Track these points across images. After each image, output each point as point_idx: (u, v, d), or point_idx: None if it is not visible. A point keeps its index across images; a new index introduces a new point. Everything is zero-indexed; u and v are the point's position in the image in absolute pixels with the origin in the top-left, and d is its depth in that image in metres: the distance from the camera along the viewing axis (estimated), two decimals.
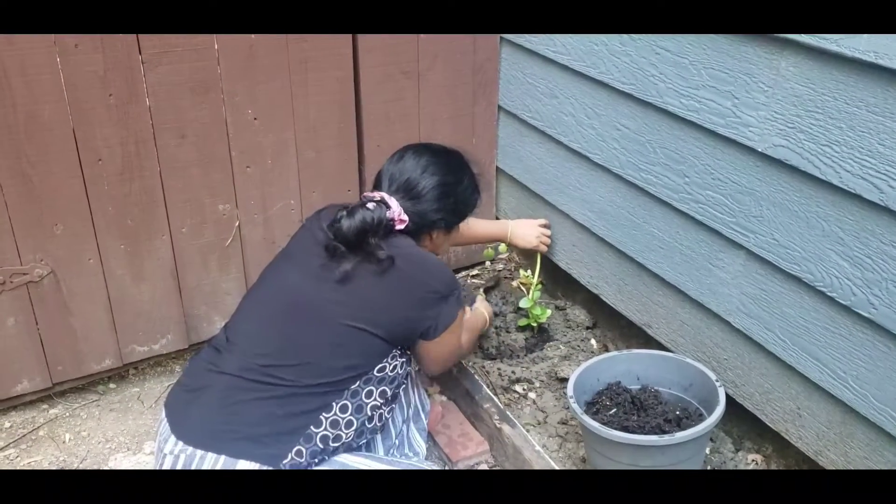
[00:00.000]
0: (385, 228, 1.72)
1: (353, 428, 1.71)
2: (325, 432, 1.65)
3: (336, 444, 1.69)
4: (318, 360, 1.65)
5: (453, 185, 1.82)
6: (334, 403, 1.67)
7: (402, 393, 2.00)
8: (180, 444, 1.61)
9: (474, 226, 2.36)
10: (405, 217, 1.75)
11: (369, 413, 1.73)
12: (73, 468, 2.19)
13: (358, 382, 1.70)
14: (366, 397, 1.71)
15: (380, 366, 1.72)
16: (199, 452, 1.59)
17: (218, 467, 1.57)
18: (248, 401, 1.62)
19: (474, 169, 1.92)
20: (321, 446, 1.65)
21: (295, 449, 1.62)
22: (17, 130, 2.02)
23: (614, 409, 1.99)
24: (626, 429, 1.89)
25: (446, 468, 2.18)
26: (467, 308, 2.36)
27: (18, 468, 2.18)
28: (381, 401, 1.76)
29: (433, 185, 1.79)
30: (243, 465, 1.58)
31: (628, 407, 2.00)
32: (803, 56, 1.64)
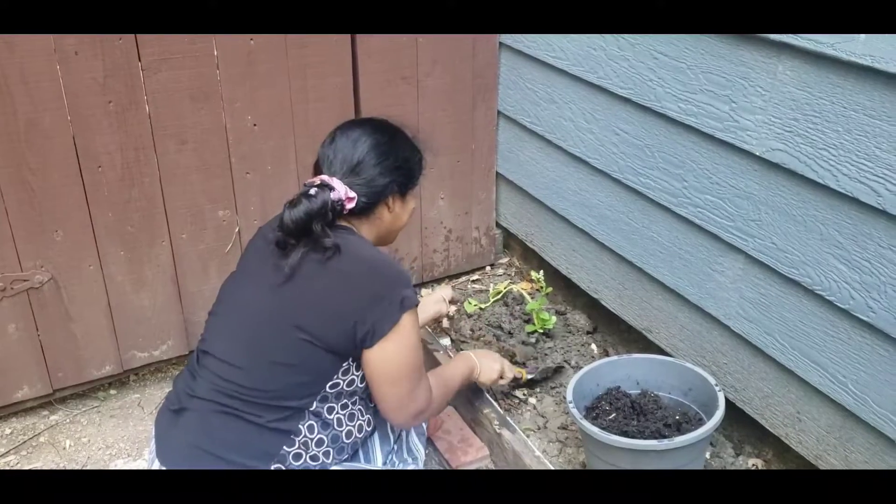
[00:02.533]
0: (334, 211, 1.61)
1: (325, 445, 1.66)
2: (298, 450, 1.63)
3: (315, 463, 1.66)
4: (275, 381, 1.60)
5: (389, 144, 1.71)
6: (301, 425, 1.62)
7: None
8: (164, 467, 1.61)
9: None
10: (353, 194, 1.64)
11: (338, 427, 1.68)
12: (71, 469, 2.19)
13: (315, 403, 1.63)
14: (328, 413, 1.66)
15: (332, 382, 1.63)
16: None
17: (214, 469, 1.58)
18: (221, 425, 1.60)
19: (406, 131, 1.80)
20: (297, 464, 1.63)
21: (274, 466, 1.60)
22: (17, 137, 2.03)
23: (614, 414, 1.99)
24: (625, 433, 1.88)
25: (445, 470, 2.17)
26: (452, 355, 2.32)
27: None
28: (348, 412, 1.69)
29: (368, 150, 1.67)
30: (235, 469, 1.58)
31: (628, 412, 1.99)
32: (800, 60, 1.64)
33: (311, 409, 1.62)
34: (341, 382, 1.64)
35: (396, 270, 1.66)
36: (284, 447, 1.60)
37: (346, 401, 1.68)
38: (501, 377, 2.10)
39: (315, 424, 1.63)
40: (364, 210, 1.69)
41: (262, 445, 1.59)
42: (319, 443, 1.65)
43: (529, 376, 2.27)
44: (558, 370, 2.39)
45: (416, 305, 1.63)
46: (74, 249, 2.20)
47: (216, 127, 2.26)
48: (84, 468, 2.22)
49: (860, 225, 1.61)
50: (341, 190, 1.64)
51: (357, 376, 1.67)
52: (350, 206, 1.65)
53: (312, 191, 1.62)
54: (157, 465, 1.63)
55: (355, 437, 1.73)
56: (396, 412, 1.69)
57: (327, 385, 1.63)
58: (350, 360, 1.64)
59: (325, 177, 1.65)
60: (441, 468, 2.19)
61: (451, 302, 2.37)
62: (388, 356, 1.61)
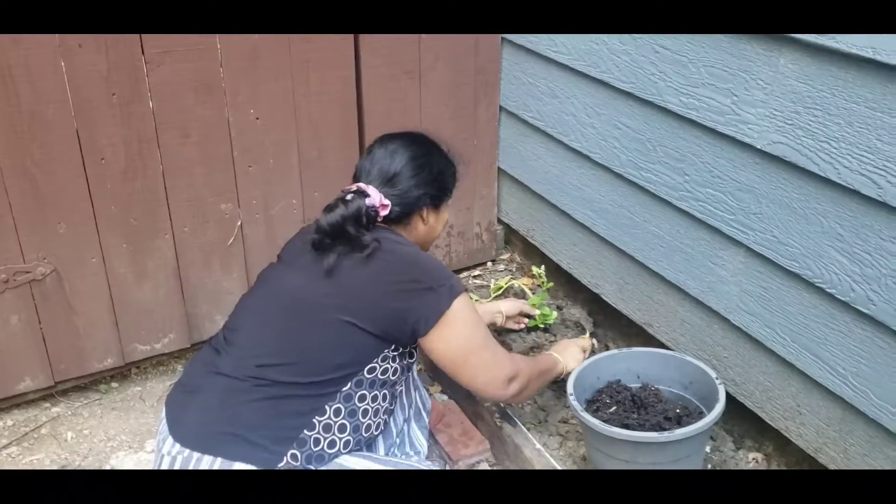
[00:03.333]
0: (368, 217, 1.71)
1: (347, 432, 1.69)
2: (317, 436, 1.65)
3: (332, 450, 1.68)
4: (310, 358, 1.65)
5: (425, 157, 1.81)
6: (327, 406, 1.66)
7: (403, 392, 2.00)
8: (177, 445, 1.62)
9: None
10: (387, 202, 1.74)
11: (362, 418, 1.72)
12: (75, 466, 2.20)
13: (350, 384, 1.68)
14: (359, 401, 1.70)
15: (370, 366, 1.69)
16: (196, 455, 1.60)
17: (214, 469, 1.58)
18: (243, 403, 1.63)
19: (441, 146, 1.91)
20: (315, 450, 1.65)
21: (290, 453, 1.62)
22: (21, 130, 2.03)
23: (614, 407, 1.99)
24: (626, 426, 1.88)
25: (447, 467, 2.18)
26: (502, 319, 2.37)
27: (20, 466, 2.19)
28: (375, 406, 1.74)
29: (405, 162, 1.78)
30: (239, 467, 1.58)
31: (628, 405, 2.00)
32: (801, 53, 1.64)
33: (344, 390, 1.67)
34: (378, 368, 1.71)
35: (438, 263, 1.78)
36: (305, 430, 1.64)
37: (376, 392, 1.73)
38: (584, 355, 2.17)
39: (342, 408, 1.68)
40: (398, 219, 1.78)
41: (283, 426, 1.63)
42: (342, 428, 1.69)
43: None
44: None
45: (465, 290, 1.72)
46: (77, 242, 2.21)
47: (219, 120, 2.27)
48: (85, 460, 2.22)
49: (861, 217, 1.62)
50: (376, 197, 1.73)
51: (391, 367, 1.74)
52: (384, 213, 1.75)
53: (349, 196, 1.72)
54: (167, 447, 1.63)
55: (372, 433, 1.77)
56: (489, 384, 1.77)
57: (365, 369, 1.69)
58: (393, 347, 1.72)
59: (361, 185, 1.75)
60: (442, 461, 2.19)
61: (510, 318, 2.40)
62: (449, 340, 1.70)
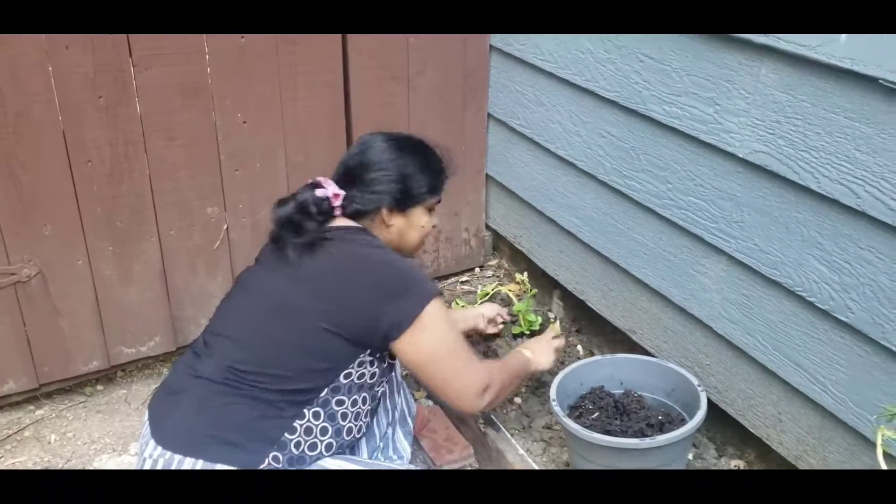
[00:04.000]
0: (319, 208, 1.70)
1: (328, 435, 1.69)
2: (299, 439, 1.64)
3: (313, 452, 1.67)
4: (285, 364, 1.63)
5: (393, 157, 1.77)
6: (306, 410, 1.65)
7: (387, 396, 2.00)
8: (159, 448, 1.61)
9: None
10: (339, 192, 1.73)
11: (342, 421, 1.71)
12: (58, 469, 2.19)
13: (326, 390, 1.67)
14: (337, 405, 1.69)
15: (346, 371, 1.67)
16: (178, 457, 1.59)
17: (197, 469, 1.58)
18: (224, 405, 1.62)
19: (437, 150, 1.86)
20: (296, 453, 1.64)
21: (271, 454, 1.61)
22: (6, 130, 2.03)
23: (597, 413, 2.00)
24: (608, 433, 1.89)
25: (432, 469, 2.18)
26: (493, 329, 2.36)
27: (2, 468, 2.19)
28: (355, 409, 1.73)
29: (369, 160, 1.76)
30: (221, 469, 1.58)
31: (611, 411, 2.00)
32: (783, 63, 1.66)
33: (321, 396, 1.66)
34: (354, 374, 1.69)
35: (411, 265, 1.74)
36: (286, 434, 1.63)
37: (355, 396, 1.72)
38: (556, 354, 2.12)
39: (321, 412, 1.67)
40: (359, 215, 1.76)
41: (263, 430, 1.62)
42: (323, 431, 1.68)
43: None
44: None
45: (439, 294, 1.69)
46: (63, 244, 2.21)
47: (206, 124, 2.27)
48: (68, 462, 2.22)
49: (840, 226, 1.63)
50: (329, 189, 1.72)
51: (372, 371, 1.72)
52: (336, 203, 1.73)
53: (299, 189, 1.74)
54: (150, 450, 1.63)
55: (354, 435, 1.77)
56: (461, 394, 1.71)
57: (341, 375, 1.67)
58: (369, 352, 1.69)
59: (320, 178, 1.75)
60: (426, 466, 2.20)
61: (491, 321, 2.38)
62: (420, 346, 1.66)
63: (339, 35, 2.37)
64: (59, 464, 2.21)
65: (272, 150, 2.39)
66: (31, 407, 2.40)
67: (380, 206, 1.76)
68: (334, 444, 1.71)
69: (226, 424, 1.61)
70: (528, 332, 2.57)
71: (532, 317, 2.58)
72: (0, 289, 2.18)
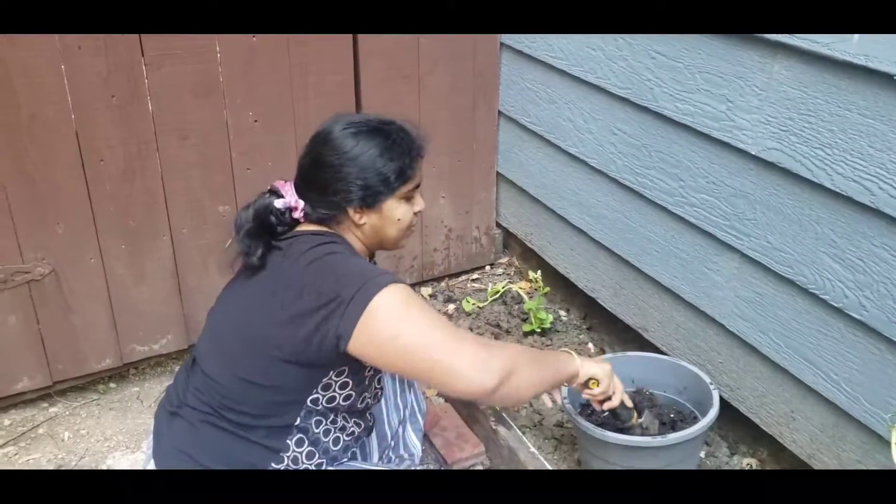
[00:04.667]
0: (279, 219, 1.55)
1: (316, 457, 1.60)
2: (287, 466, 1.57)
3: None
4: (252, 402, 1.52)
5: (348, 153, 1.53)
6: (288, 441, 1.55)
7: (397, 394, 2.00)
8: (157, 467, 1.61)
9: None
10: (298, 203, 1.55)
11: (324, 438, 1.59)
12: (72, 466, 2.21)
13: (298, 419, 1.54)
14: (316, 427, 1.57)
15: (311, 397, 1.53)
16: None
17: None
18: (208, 435, 1.56)
19: (402, 129, 1.59)
20: None
21: None
22: (20, 131, 2.05)
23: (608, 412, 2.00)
24: (620, 431, 1.89)
25: (442, 469, 2.18)
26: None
27: (17, 466, 2.20)
28: (338, 425, 1.61)
29: (322, 162, 1.54)
30: (222, 469, 1.56)
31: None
32: (796, 59, 1.65)
33: (297, 424, 1.54)
34: (321, 398, 1.54)
35: (357, 269, 1.48)
36: (273, 463, 1.56)
37: (333, 416, 1.59)
38: (606, 394, 1.73)
39: (304, 438, 1.57)
40: (327, 220, 1.58)
41: (249, 459, 1.55)
42: (310, 455, 1.59)
43: (640, 422, 1.86)
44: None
45: (394, 283, 1.45)
46: (76, 242, 2.22)
47: (217, 122, 2.28)
48: (82, 459, 2.23)
49: (854, 223, 1.62)
50: (290, 198, 1.56)
51: (339, 394, 1.56)
52: (297, 215, 1.57)
53: (260, 196, 1.58)
54: (152, 464, 1.62)
55: (345, 443, 1.66)
56: (453, 373, 1.39)
57: (308, 400, 1.53)
58: (332, 373, 1.52)
59: (281, 182, 1.59)
60: (437, 463, 2.20)
61: None
62: (379, 335, 1.42)
63: (350, 35, 2.37)
64: (72, 461, 2.23)
65: (283, 149, 2.39)
66: (45, 404, 2.42)
67: (344, 207, 1.55)
68: (325, 462, 1.62)
69: (211, 454, 1.56)
70: (538, 330, 2.57)
71: (543, 314, 2.58)
72: (14, 287, 2.19)
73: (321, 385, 1.52)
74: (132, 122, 2.16)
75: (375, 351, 1.43)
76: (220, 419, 1.54)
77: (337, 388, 1.54)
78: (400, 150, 1.56)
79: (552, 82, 2.42)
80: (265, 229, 1.55)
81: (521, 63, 2.55)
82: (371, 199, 1.55)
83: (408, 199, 1.61)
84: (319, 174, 1.55)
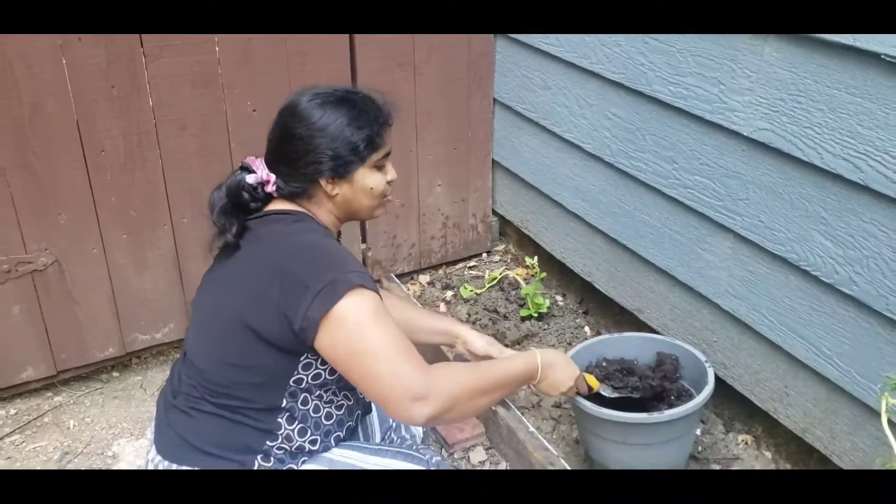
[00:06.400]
0: (252, 194, 1.55)
1: (308, 434, 1.59)
2: (281, 444, 1.59)
3: (300, 453, 1.60)
4: (236, 386, 1.54)
5: (317, 123, 1.52)
6: (279, 419, 1.56)
7: None
8: (159, 456, 1.63)
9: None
10: (269, 177, 1.55)
11: (314, 414, 1.59)
12: (78, 453, 2.24)
13: (285, 400, 1.54)
14: (302, 405, 1.57)
15: (295, 378, 1.52)
16: (174, 465, 1.60)
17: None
18: (206, 423, 1.58)
19: (369, 97, 1.59)
20: (281, 455, 1.59)
21: (260, 456, 1.57)
22: (21, 122, 2.07)
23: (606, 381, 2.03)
24: (620, 387, 1.93)
25: (443, 452, 2.22)
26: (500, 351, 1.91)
27: (24, 453, 2.23)
28: (326, 399, 1.60)
29: (290, 133, 1.54)
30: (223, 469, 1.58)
31: (617, 376, 2.03)
32: (786, 41, 1.69)
33: (283, 405, 1.55)
34: (305, 377, 1.54)
35: (328, 256, 1.48)
36: (267, 441, 1.57)
37: (319, 391, 1.58)
38: (567, 393, 1.78)
39: (294, 416, 1.57)
40: (298, 194, 1.57)
41: (243, 441, 1.57)
42: (302, 432, 1.59)
43: (603, 393, 1.90)
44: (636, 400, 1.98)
45: (363, 286, 1.44)
46: (78, 232, 2.25)
47: (216, 112, 2.30)
48: (88, 447, 2.26)
49: (844, 201, 1.66)
50: (261, 173, 1.55)
51: (323, 369, 1.55)
52: (270, 189, 1.56)
53: (232, 173, 1.58)
54: (152, 454, 1.64)
55: (337, 416, 1.66)
56: (388, 401, 1.41)
57: (290, 381, 1.54)
58: (308, 354, 1.51)
59: (252, 158, 1.59)
60: (438, 445, 2.23)
61: (474, 353, 1.94)
62: (336, 343, 1.42)
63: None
64: (78, 448, 2.26)
65: None
66: (50, 394, 2.44)
67: (316, 179, 1.54)
68: (319, 438, 1.63)
69: (207, 439, 1.58)
70: (535, 315, 2.61)
71: (540, 299, 2.61)
72: (18, 277, 2.22)
73: (301, 365, 1.52)
74: (132, 112, 2.19)
75: (331, 355, 1.45)
76: (212, 405, 1.55)
77: (319, 365, 1.53)
78: (368, 119, 1.56)
79: (546, 69, 2.45)
80: (239, 206, 1.55)
81: (516, 50, 2.57)
82: (342, 170, 1.55)
83: (379, 167, 1.60)
84: (289, 147, 1.54)
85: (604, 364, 2.05)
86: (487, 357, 1.90)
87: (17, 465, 2.19)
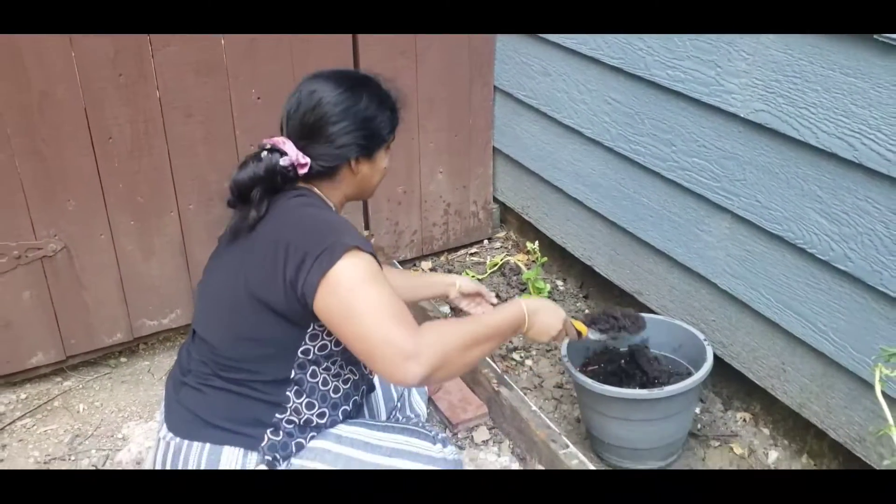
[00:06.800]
0: (283, 176, 1.57)
1: (316, 408, 1.63)
2: (290, 417, 1.62)
3: (308, 426, 1.64)
4: (245, 358, 1.59)
5: (350, 102, 1.59)
6: (287, 392, 1.61)
7: None
8: (171, 433, 1.66)
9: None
10: (305, 160, 1.58)
11: (322, 387, 1.63)
12: (88, 435, 2.27)
13: (293, 371, 1.59)
14: (311, 378, 1.62)
15: (302, 348, 1.58)
16: (186, 441, 1.64)
17: (205, 454, 1.62)
18: (216, 398, 1.62)
19: (377, 84, 1.67)
20: (290, 428, 1.63)
21: (269, 430, 1.61)
22: (31, 109, 2.10)
23: (610, 367, 2.08)
24: (621, 373, 1.98)
25: (447, 431, 2.26)
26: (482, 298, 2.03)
27: (35, 436, 2.27)
28: (333, 372, 1.64)
29: (327, 111, 1.58)
30: (227, 450, 1.62)
31: (622, 365, 2.08)
32: None
33: (292, 377, 1.60)
34: (312, 348, 1.59)
35: (329, 224, 1.54)
36: (276, 414, 1.61)
37: (326, 364, 1.63)
38: (557, 338, 1.76)
39: (302, 390, 1.61)
40: (323, 174, 1.62)
41: (253, 414, 1.61)
42: (310, 406, 1.63)
43: (592, 337, 1.93)
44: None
45: (359, 248, 1.48)
46: (86, 219, 2.28)
47: (221, 100, 2.34)
48: (98, 429, 2.30)
49: (838, 179, 1.70)
50: (293, 154, 1.58)
51: (329, 340, 1.60)
52: (303, 171, 1.59)
53: (263, 154, 1.58)
54: (164, 432, 1.68)
55: (344, 390, 1.69)
56: (381, 362, 1.43)
57: (298, 351, 1.58)
58: (314, 325, 1.55)
59: (278, 139, 1.61)
60: (442, 425, 2.27)
61: (468, 297, 2.06)
62: (330, 304, 1.45)
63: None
64: (88, 431, 2.29)
65: None
66: (59, 379, 2.48)
67: (347, 159, 1.61)
68: (326, 411, 1.66)
69: (218, 413, 1.62)
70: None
71: (541, 284, 2.65)
72: (28, 263, 2.25)
73: (308, 336, 1.56)
74: (139, 100, 2.22)
75: (327, 318, 1.48)
76: (221, 379, 1.60)
77: (325, 336, 1.58)
78: (390, 101, 1.66)
79: (546, 55, 2.49)
80: (272, 188, 1.58)
81: (516, 38, 2.61)
82: (370, 150, 1.63)
83: (388, 148, 1.69)
84: (326, 127, 1.58)
85: (586, 312, 2.10)
86: (478, 295, 2.04)
87: (30, 448, 2.23)
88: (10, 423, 2.30)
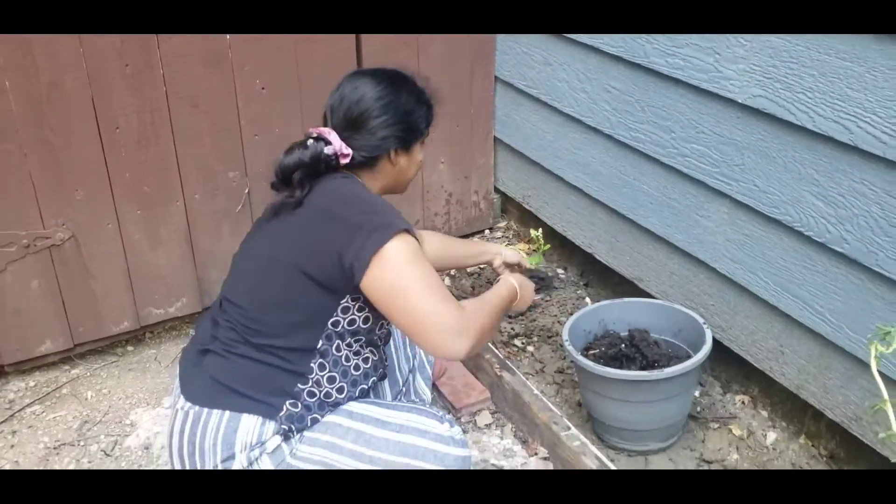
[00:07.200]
0: (327, 164, 1.67)
1: (337, 382, 1.71)
2: (311, 388, 1.68)
3: (328, 399, 1.70)
4: (276, 323, 1.66)
5: (392, 96, 1.71)
6: (312, 364, 1.68)
7: (408, 343, 2.09)
8: (188, 403, 1.70)
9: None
10: (347, 150, 1.68)
11: (346, 363, 1.71)
12: (97, 422, 2.31)
13: (321, 341, 1.67)
14: (336, 351, 1.69)
15: (332, 320, 1.66)
16: (206, 410, 1.68)
17: (223, 421, 1.67)
18: (241, 366, 1.68)
19: (416, 82, 1.79)
20: (311, 401, 1.68)
21: (290, 401, 1.67)
22: (39, 99, 2.13)
23: (611, 350, 2.11)
24: (621, 358, 2.01)
25: (450, 415, 2.29)
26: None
27: (44, 422, 2.30)
28: (356, 349, 1.73)
29: (370, 104, 1.69)
30: (245, 418, 1.66)
31: (622, 349, 2.11)
32: None
33: (318, 347, 1.67)
34: (342, 321, 1.67)
35: (378, 204, 1.65)
36: (299, 384, 1.67)
37: (350, 339, 1.71)
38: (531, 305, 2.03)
39: (325, 363, 1.69)
40: (364, 164, 1.72)
41: (276, 383, 1.67)
42: (331, 380, 1.70)
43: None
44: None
45: (407, 232, 1.60)
46: (94, 208, 2.31)
47: (227, 91, 2.37)
48: (106, 416, 2.33)
49: (834, 162, 1.73)
50: (337, 145, 1.67)
51: (358, 317, 1.69)
52: (345, 161, 1.69)
53: (309, 142, 1.67)
54: (181, 403, 1.72)
55: (364, 369, 1.77)
56: (431, 337, 1.56)
57: (328, 322, 1.66)
58: (348, 297, 1.65)
59: (323, 129, 1.70)
60: (446, 410, 2.31)
61: (510, 267, 2.28)
62: (382, 282, 1.56)
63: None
64: (97, 417, 2.33)
65: (290, 116, 2.48)
66: (67, 367, 2.51)
67: (387, 150, 1.72)
68: (346, 386, 1.73)
69: (244, 381, 1.67)
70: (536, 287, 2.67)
71: (543, 272, 2.68)
72: (36, 252, 2.28)
73: (340, 308, 1.65)
74: (146, 90, 2.25)
75: (375, 288, 1.59)
76: (248, 346, 1.66)
77: (355, 311, 1.67)
78: (428, 100, 1.79)
79: (547, 45, 2.52)
80: (315, 173, 1.67)
81: None
82: (408, 142, 1.75)
83: (423, 142, 1.81)
84: (368, 120, 1.69)
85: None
86: (518, 265, 2.30)
87: (39, 433, 2.26)
88: (19, 410, 2.34)
